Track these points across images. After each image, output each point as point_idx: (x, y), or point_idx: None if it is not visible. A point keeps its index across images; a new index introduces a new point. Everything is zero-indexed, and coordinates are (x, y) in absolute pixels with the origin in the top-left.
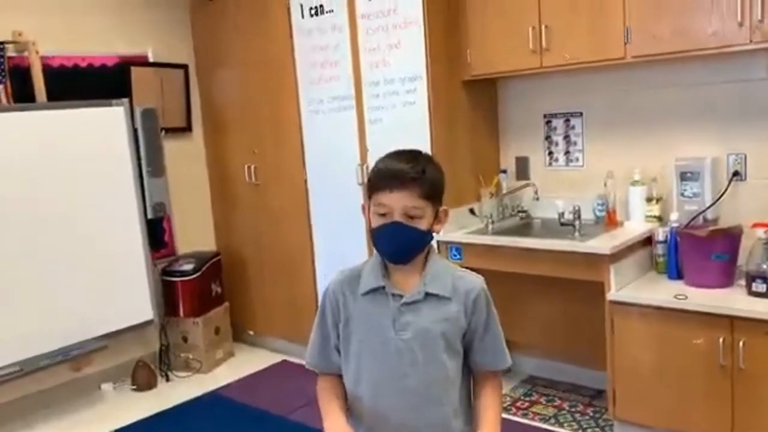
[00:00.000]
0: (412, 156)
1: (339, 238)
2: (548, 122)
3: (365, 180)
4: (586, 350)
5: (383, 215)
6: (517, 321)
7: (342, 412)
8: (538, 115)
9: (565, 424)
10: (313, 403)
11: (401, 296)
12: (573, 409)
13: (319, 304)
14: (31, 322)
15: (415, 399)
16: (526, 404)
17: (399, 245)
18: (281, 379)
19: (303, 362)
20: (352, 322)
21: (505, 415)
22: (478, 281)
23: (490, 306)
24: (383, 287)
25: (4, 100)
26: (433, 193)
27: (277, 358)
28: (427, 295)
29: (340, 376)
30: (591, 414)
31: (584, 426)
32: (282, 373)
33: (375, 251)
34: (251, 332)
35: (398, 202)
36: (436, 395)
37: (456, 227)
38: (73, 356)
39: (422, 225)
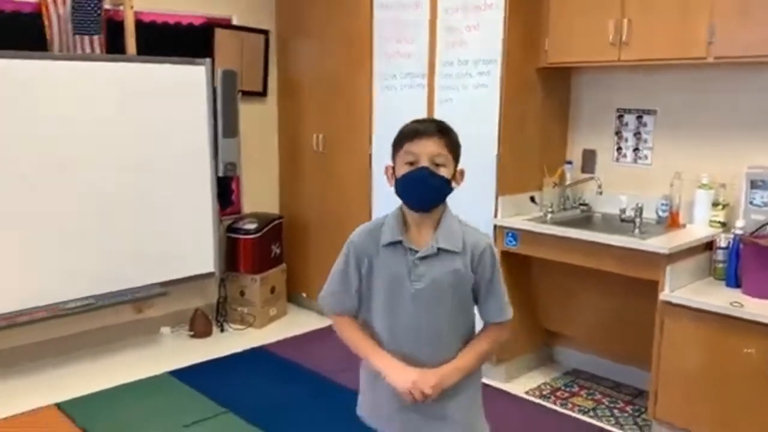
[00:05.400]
0: (433, 119)
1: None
2: (620, 117)
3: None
4: (632, 349)
5: (410, 164)
6: (566, 313)
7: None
8: (611, 109)
9: (603, 419)
10: (357, 369)
11: (417, 251)
12: (612, 405)
13: (342, 253)
14: (104, 262)
15: (427, 342)
16: (566, 395)
17: (424, 190)
18: (328, 343)
19: None
20: (374, 270)
21: (543, 403)
22: (485, 238)
23: (495, 263)
24: (401, 241)
25: (98, 51)
26: (454, 149)
27: (326, 322)
28: (439, 250)
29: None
30: (630, 411)
31: (622, 422)
32: (330, 337)
33: (396, 207)
34: (304, 295)
35: (425, 149)
36: (446, 339)
37: (514, 213)
38: (136, 298)
39: (445, 174)
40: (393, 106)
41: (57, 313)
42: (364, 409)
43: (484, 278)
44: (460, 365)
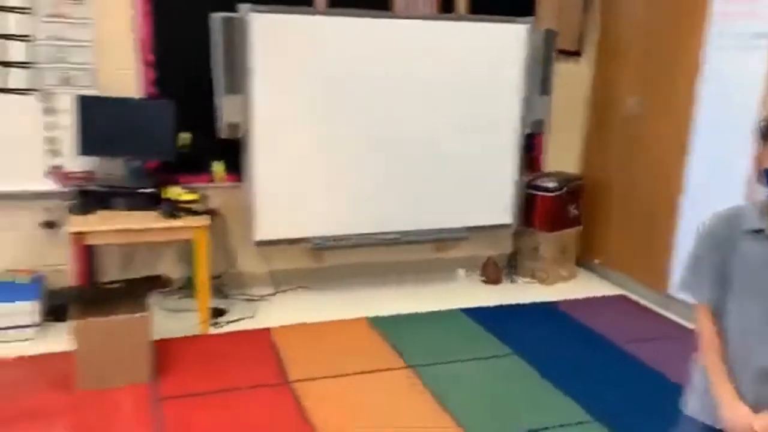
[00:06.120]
0: None
1: (715, 189)
2: None
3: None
4: None
5: None
6: None
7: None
8: None
9: None
10: (649, 342)
11: None
12: None
13: (700, 239)
14: (415, 203)
15: None
16: None
17: None
18: (618, 312)
19: (642, 301)
20: (732, 258)
21: None
22: None
23: None
24: (763, 230)
25: (432, 11)
26: None
27: (616, 291)
28: None
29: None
30: None
31: None
32: (620, 306)
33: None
34: (597, 261)
35: None
36: None
37: None
38: (440, 238)
39: None
40: (726, 70)
41: (374, 241)
42: (695, 408)
43: None
44: None
